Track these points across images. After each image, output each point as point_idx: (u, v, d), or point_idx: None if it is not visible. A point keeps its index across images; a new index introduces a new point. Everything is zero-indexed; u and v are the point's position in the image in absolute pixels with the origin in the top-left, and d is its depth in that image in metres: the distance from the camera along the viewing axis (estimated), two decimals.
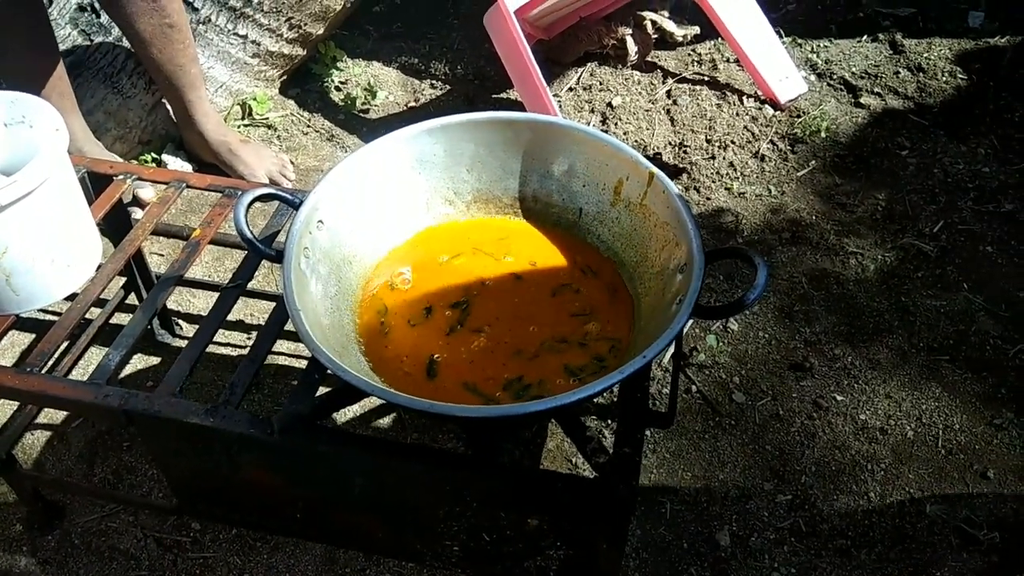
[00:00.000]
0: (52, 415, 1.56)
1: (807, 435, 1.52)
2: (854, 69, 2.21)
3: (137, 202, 1.88)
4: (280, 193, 1.11)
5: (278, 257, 1.04)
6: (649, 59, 2.24)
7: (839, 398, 1.57)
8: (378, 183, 1.16)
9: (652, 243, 1.10)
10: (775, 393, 1.58)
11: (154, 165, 2.03)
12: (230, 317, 1.58)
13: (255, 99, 2.16)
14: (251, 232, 1.03)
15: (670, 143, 2.05)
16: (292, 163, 2.04)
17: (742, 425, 1.54)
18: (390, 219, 1.19)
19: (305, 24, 2.12)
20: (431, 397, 0.93)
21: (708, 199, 1.94)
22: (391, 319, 1.11)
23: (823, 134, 2.05)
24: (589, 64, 2.24)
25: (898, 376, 1.60)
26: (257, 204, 1.44)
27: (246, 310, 1.75)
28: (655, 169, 1.08)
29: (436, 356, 1.07)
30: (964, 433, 1.51)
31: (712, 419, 1.55)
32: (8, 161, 1.19)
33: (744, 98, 2.12)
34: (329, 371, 0.94)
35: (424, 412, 0.89)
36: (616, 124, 2.09)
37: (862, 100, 2.13)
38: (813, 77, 2.21)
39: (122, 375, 1.62)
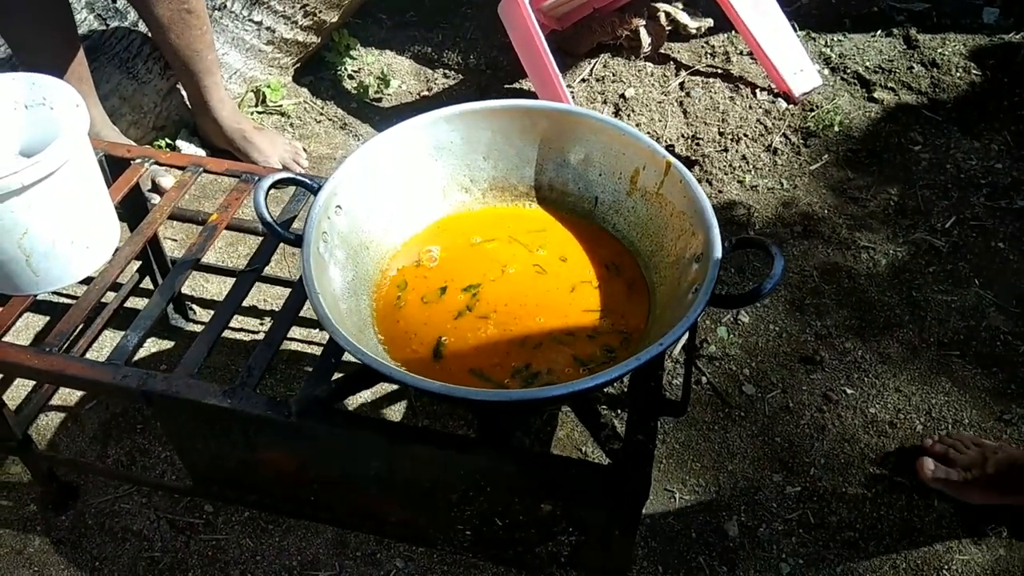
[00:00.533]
0: (66, 397, 1.57)
1: (816, 427, 1.53)
2: (868, 64, 2.21)
3: (157, 189, 1.89)
4: (299, 178, 1.12)
5: (297, 241, 1.05)
6: (662, 51, 2.24)
7: (849, 391, 1.58)
8: (395, 169, 1.17)
9: (668, 232, 1.10)
10: (785, 385, 1.59)
11: (168, 151, 2.04)
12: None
13: (269, 86, 2.17)
14: (271, 216, 1.04)
15: (683, 135, 2.05)
16: (305, 150, 2.05)
17: (752, 417, 1.54)
18: (407, 205, 1.19)
19: (320, 12, 2.13)
20: (436, 378, 0.93)
21: (720, 192, 1.94)
22: (408, 294, 1.12)
23: (836, 128, 2.04)
24: (602, 55, 2.24)
25: (908, 370, 1.60)
26: (271, 192, 1.45)
27: (258, 296, 1.76)
28: (672, 159, 1.08)
29: (444, 338, 1.07)
30: (973, 428, 1.52)
31: (722, 410, 1.56)
32: (29, 142, 1.20)
33: (757, 91, 2.12)
34: (346, 354, 0.95)
35: (441, 395, 0.90)
36: (629, 116, 2.09)
37: (875, 95, 2.13)
38: (827, 71, 2.21)
39: (135, 358, 1.63)
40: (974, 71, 2.17)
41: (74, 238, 1.17)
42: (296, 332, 1.67)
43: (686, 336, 1.17)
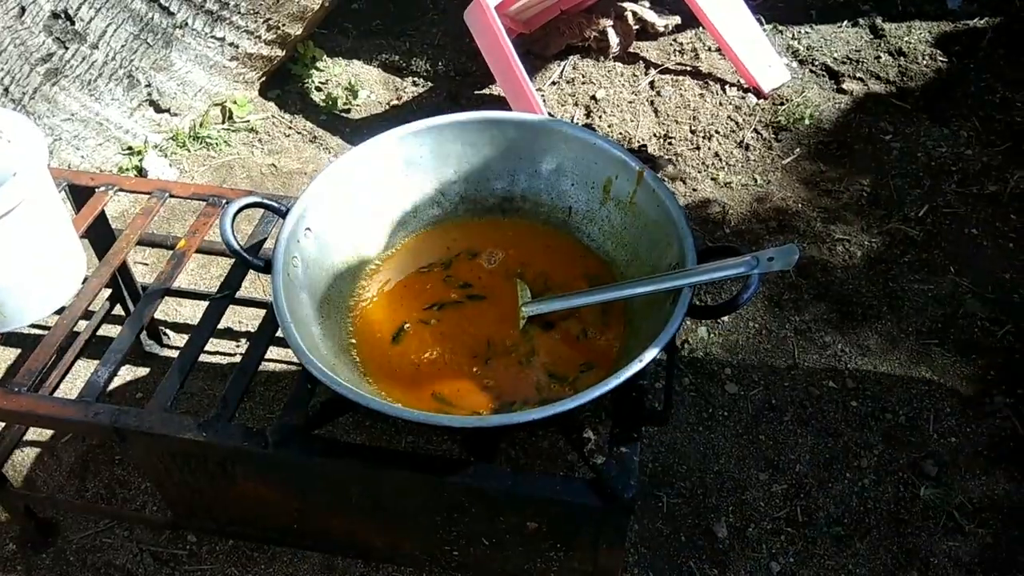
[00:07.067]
0: (42, 431, 1.54)
1: (800, 423, 1.53)
2: (836, 55, 2.22)
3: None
4: (266, 201, 1.10)
5: (266, 267, 1.03)
6: (631, 50, 2.23)
7: (830, 385, 1.58)
8: (364, 188, 1.15)
9: (643, 242, 1.09)
10: (767, 383, 1.59)
11: (135, 173, 2.01)
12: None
13: (235, 102, 2.14)
14: (238, 243, 1.02)
15: (655, 134, 2.04)
16: (274, 166, 2.02)
17: (735, 416, 1.54)
18: (378, 223, 1.18)
19: (283, 24, 2.10)
20: (411, 398, 0.92)
21: (694, 190, 1.94)
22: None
23: (807, 121, 2.05)
24: (571, 57, 2.23)
25: (888, 361, 1.61)
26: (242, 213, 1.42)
27: (234, 317, 1.73)
28: (645, 168, 1.07)
29: (407, 325, 1.09)
30: (955, 416, 1.53)
31: (705, 411, 1.55)
32: None
33: (727, 87, 2.12)
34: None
35: (418, 423, 0.89)
36: (600, 117, 2.08)
37: (844, 86, 2.14)
38: (795, 64, 2.21)
39: (110, 387, 1.60)
40: (940, 58, 2.18)
41: (39, 273, 1.14)
42: (274, 352, 1.64)
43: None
